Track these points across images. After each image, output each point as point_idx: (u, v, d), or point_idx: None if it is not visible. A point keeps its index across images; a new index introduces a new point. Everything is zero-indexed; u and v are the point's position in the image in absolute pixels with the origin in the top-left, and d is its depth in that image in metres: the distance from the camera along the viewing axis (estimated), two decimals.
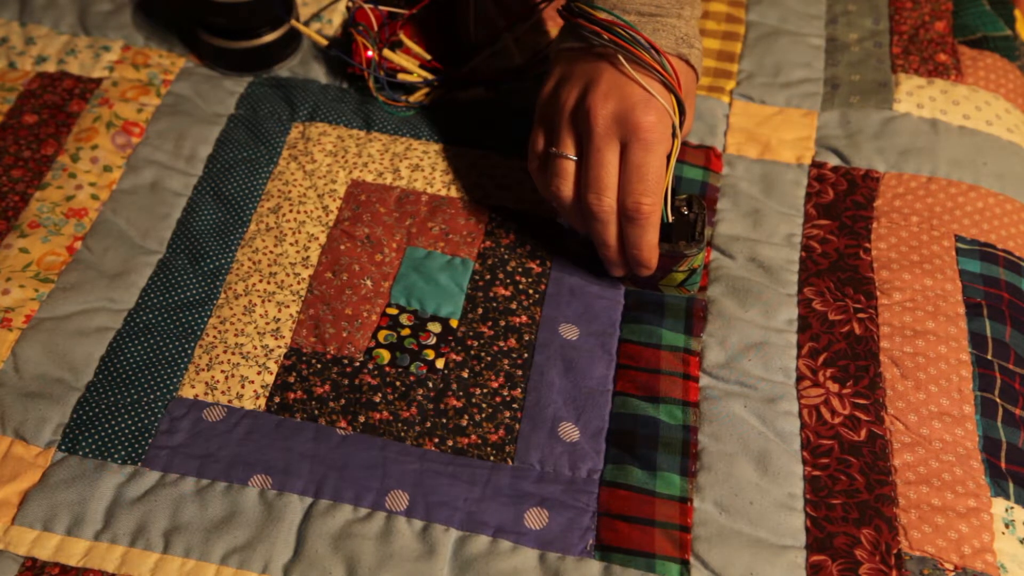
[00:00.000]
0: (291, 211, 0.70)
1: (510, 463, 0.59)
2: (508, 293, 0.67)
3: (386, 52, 0.76)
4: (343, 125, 0.76)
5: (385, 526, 0.56)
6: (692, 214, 0.64)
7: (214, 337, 0.64)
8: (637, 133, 0.60)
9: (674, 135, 0.62)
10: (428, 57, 0.77)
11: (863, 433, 0.61)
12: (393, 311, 0.66)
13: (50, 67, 0.79)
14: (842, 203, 0.72)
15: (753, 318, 0.66)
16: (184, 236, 0.69)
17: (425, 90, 0.77)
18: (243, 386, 0.62)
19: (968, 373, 0.63)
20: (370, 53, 0.75)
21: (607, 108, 0.60)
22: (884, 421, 0.61)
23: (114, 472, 0.58)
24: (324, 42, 0.78)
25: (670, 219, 0.63)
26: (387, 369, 0.63)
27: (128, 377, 0.62)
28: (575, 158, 0.63)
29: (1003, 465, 0.60)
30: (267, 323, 0.65)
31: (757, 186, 0.73)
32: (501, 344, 0.64)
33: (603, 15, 0.61)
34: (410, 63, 0.77)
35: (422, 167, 0.73)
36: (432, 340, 0.64)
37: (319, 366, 0.63)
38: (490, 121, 0.76)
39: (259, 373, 0.62)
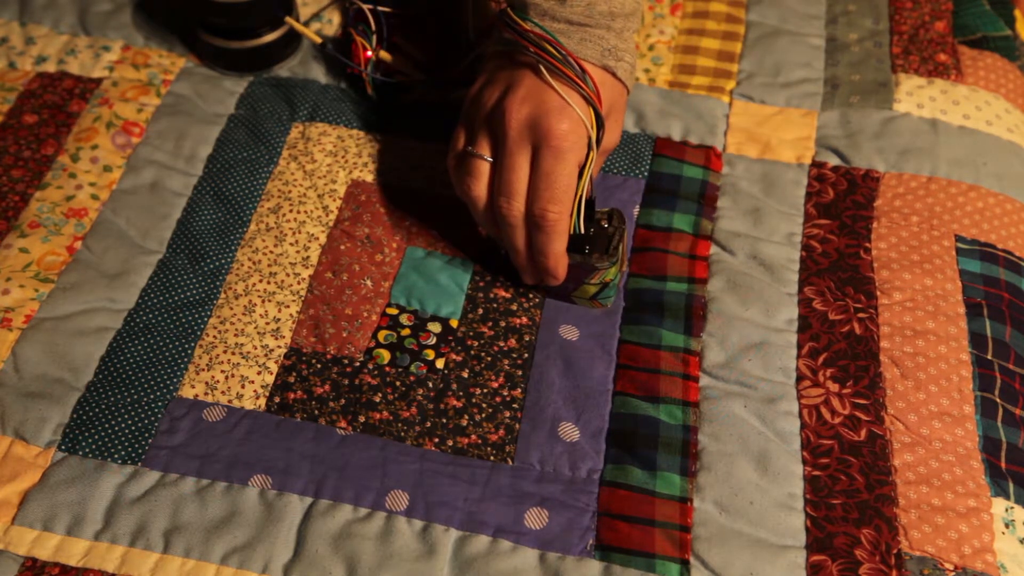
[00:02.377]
0: (291, 211, 0.70)
1: (510, 463, 0.59)
2: (508, 294, 0.67)
3: (383, 53, 0.76)
4: (343, 125, 0.76)
5: (385, 526, 0.56)
6: (612, 228, 0.63)
7: (214, 337, 0.64)
8: (548, 140, 0.59)
9: (590, 147, 0.61)
10: (426, 57, 0.77)
11: (863, 433, 0.61)
12: (393, 311, 0.66)
13: (50, 67, 0.79)
14: (842, 203, 0.72)
15: (753, 317, 0.66)
16: (184, 236, 0.69)
17: (423, 90, 0.77)
18: (243, 386, 0.62)
19: (968, 373, 0.63)
20: (369, 53, 0.75)
21: (522, 112, 0.60)
22: (884, 421, 0.61)
23: (114, 472, 0.58)
24: (319, 40, 0.77)
25: (582, 230, 0.62)
26: (387, 369, 0.63)
27: (128, 377, 0.62)
28: (490, 159, 0.62)
29: (1003, 465, 0.60)
30: (267, 323, 0.65)
31: (757, 185, 0.73)
32: (501, 344, 0.64)
33: (528, 26, 0.60)
34: (408, 64, 0.77)
35: (422, 167, 0.73)
36: (432, 340, 0.64)
37: (319, 366, 0.63)
38: None
39: (259, 373, 0.62)
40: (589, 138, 0.61)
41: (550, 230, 0.61)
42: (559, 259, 0.62)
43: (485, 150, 0.62)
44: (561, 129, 0.59)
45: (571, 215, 0.61)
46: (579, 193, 0.61)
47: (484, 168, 0.63)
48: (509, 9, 0.62)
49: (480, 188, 0.63)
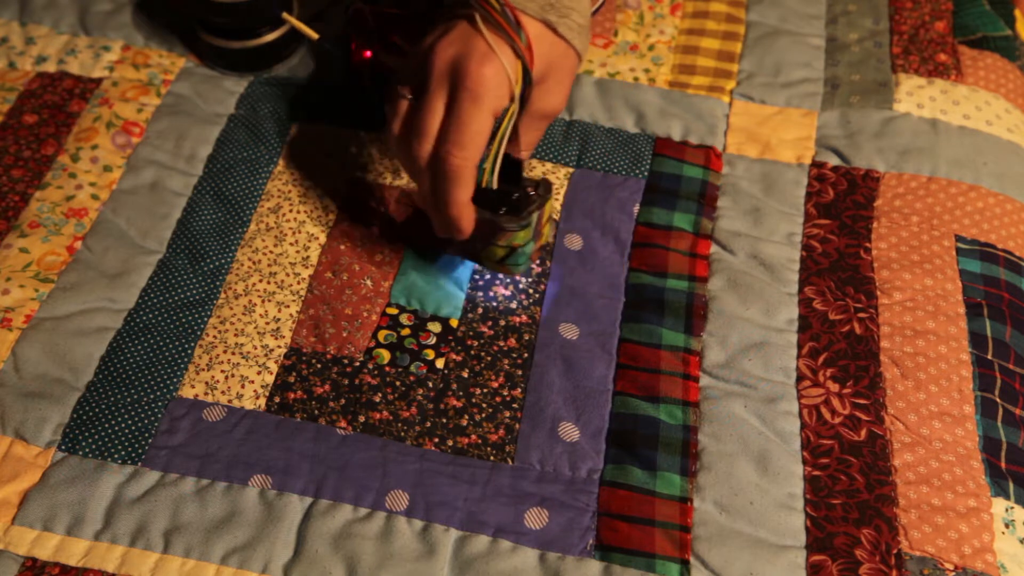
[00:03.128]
0: (291, 211, 0.70)
1: (510, 463, 0.59)
2: (508, 293, 0.67)
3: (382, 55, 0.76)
4: (343, 125, 0.76)
5: (385, 526, 0.56)
6: (535, 195, 0.61)
7: (214, 337, 0.64)
8: (464, 82, 0.57)
9: (512, 99, 0.59)
10: None
11: (863, 433, 0.61)
12: (393, 311, 0.66)
13: (50, 67, 0.79)
14: (842, 203, 0.72)
15: (753, 317, 0.66)
16: (184, 236, 0.69)
17: None
18: (243, 386, 0.62)
19: (968, 373, 0.63)
20: (368, 53, 0.75)
21: (447, 53, 0.58)
22: (884, 421, 0.61)
23: (114, 472, 0.58)
24: (315, 36, 0.77)
25: (494, 185, 0.60)
26: (387, 369, 0.63)
27: (128, 377, 0.62)
28: (411, 99, 0.61)
29: (1003, 465, 0.60)
30: (267, 323, 0.65)
31: (757, 185, 0.73)
32: (501, 344, 0.64)
33: None
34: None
35: None
36: (432, 340, 0.64)
37: (319, 366, 0.63)
38: None
39: (259, 373, 0.62)
40: (513, 92, 0.59)
41: (452, 175, 0.58)
42: (461, 209, 0.60)
43: (410, 91, 0.61)
44: (480, 72, 0.57)
45: (487, 168, 0.59)
46: (495, 146, 0.59)
47: (404, 107, 0.61)
48: None
49: (397, 125, 0.61)
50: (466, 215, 0.60)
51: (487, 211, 0.61)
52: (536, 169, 0.73)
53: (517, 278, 0.67)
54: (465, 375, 0.63)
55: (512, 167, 0.61)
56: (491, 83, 0.57)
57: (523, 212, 0.61)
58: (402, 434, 0.60)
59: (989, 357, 0.64)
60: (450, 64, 0.58)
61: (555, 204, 0.71)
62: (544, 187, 0.62)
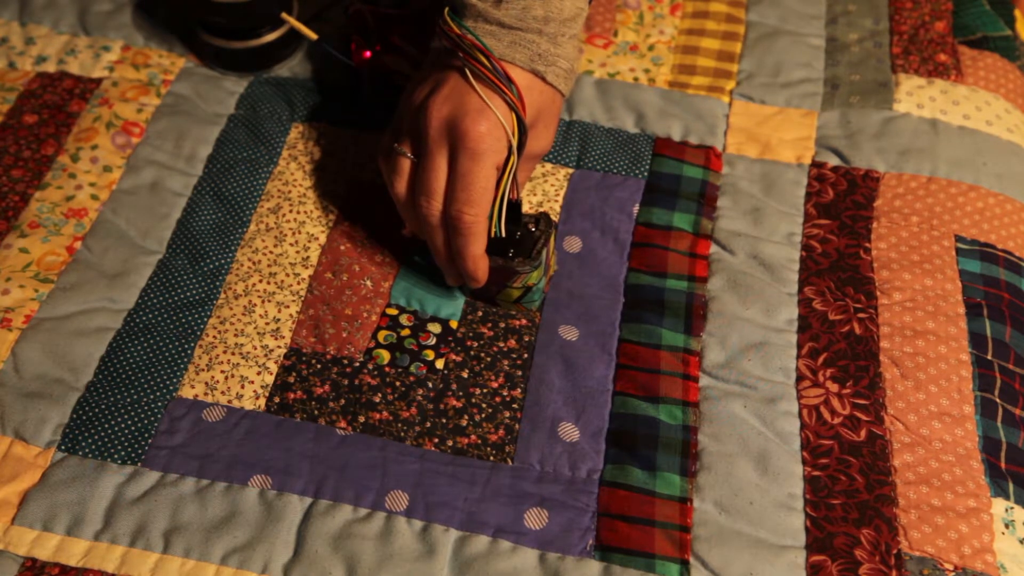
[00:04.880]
0: (291, 211, 0.70)
1: (510, 463, 0.59)
2: None
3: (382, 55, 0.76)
4: (343, 125, 0.76)
5: (385, 526, 0.56)
6: (537, 232, 0.63)
7: (214, 337, 0.64)
8: (465, 141, 0.59)
9: (512, 151, 0.60)
10: (424, 58, 0.77)
11: (863, 433, 0.61)
12: (393, 311, 0.66)
13: (50, 67, 0.79)
14: (842, 203, 0.72)
15: (753, 317, 0.66)
16: (184, 236, 0.69)
17: None
18: (243, 386, 0.62)
19: (968, 373, 0.63)
20: (368, 53, 0.75)
21: (442, 112, 0.59)
22: (884, 421, 0.61)
23: (114, 472, 0.58)
24: (314, 36, 0.77)
25: (503, 234, 0.61)
26: (387, 369, 0.63)
27: (128, 377, 0.62)
28: (412, 158, 0.62)
29: (1003, 465, 0.60)
30: (267, 323, 0.65)
31: (757, 185, 0.73)
32: (501, 344, 0.64)
33: (456, 29, 0.60)
34: (407, 64, 0.77)
35: None
36: (432, 340, 0.64)
37: (319, 366, 0.63)
38: None
39: (259, 373, 0.62)
40: (511, 143, 0.60)
41: (466, 232, 0.60)
42: (477, 261, 0.61)
43: (408, 148, 0.62)
44: (478, 131, 0.58)
45: (492, 217, 0.61)
46: (499, 196, 0.60)
47: (406, 166, 0.62)
48: (447, 11, 0.61)
49: (402, 185, 0.63)
50: (482, 266, 0.62)
51: (498, 257, 0.62)
52: (536, 170, 0.73)
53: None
54: (465, 375, 0.63)
55: (511, 208, 0.62)
56: (489, 139, 0.59)
57: (532, 252, 0.62)
58: (402, 434, 0.60)
59: (989, 357, 0.64)
60: (446, 123, 0.59)
61: (553, 205, 0.71)
62: (545, 221, 0.64)
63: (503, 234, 0.61)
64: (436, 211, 0.61)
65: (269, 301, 0.66)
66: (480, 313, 0.66)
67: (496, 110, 0.59)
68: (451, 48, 0.60)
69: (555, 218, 0.70)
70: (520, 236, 0.63)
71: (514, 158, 0.60)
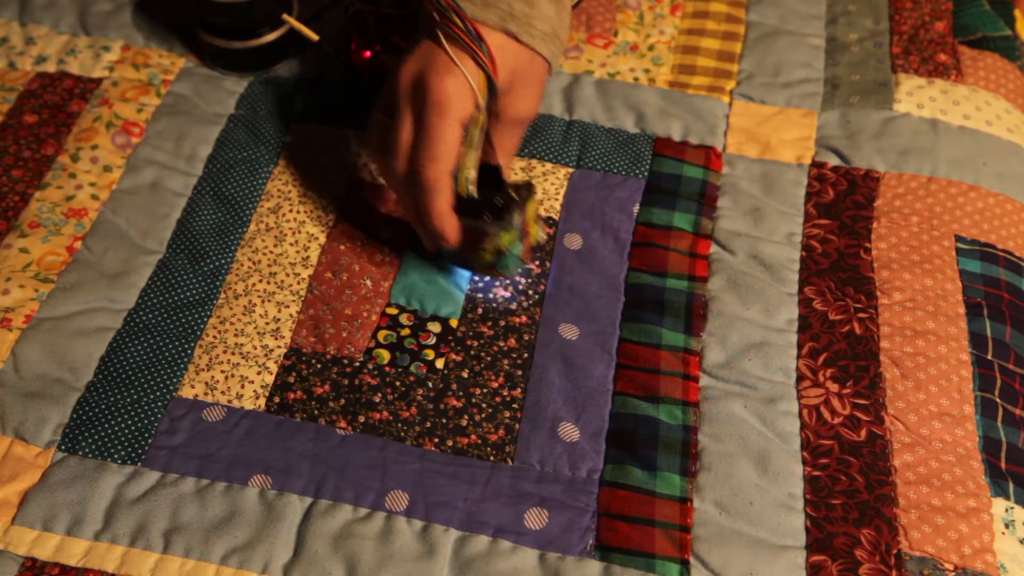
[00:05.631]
0: (291, 211, 0.70)
1: (510, 463, 0.59)
2: (508, 293, 0.67)
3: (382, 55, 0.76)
4: (343, 125, 0.76)
5: (385, 526, 0.56)
6: (516, 198, 0.63)
7: (214, 337, 0.64)
8: (428, 96, 0.59)
9: (479, 108, 0.60)
10: None
11: (863, 433, 0.61)
12: (393, 311, 0.66)
13: (50, 67, 0.79)
14: (842, 203, 0.72)
15: (753, 317, 0.66)
16: (184, 236, 0.69)
17: None
18: (243, 386, 0.62)
19: (968, 373, 0.63)
20: (368, 53, 0.75)
21: (411, 70, 0.60)
22: (884, 421, 0.61)
23: (114, 472, 0.58)
24: (315, 37, 0.77)
25: (475, 194, 0.61)
26: (387, 369, 0.63)
27: (128, 377, 0.62)
28: (387, 120, 0.62)
29: (1003, 465, 0.60)
30: (267, 323, 0.65)
31: (757, 185, 0.73)
32: (501, 344, 0.64)
33: None
34: None
35: None
36: (432, 340, 0.64)
37: (319, 366, 0.63)
38: None
39: (259, 373, 0.62)
40: (479, 102, 0.60)
41: (428, 187, 0.60)
42: (442, 218, 0.61)
43: (384, 108, 0.63)
44: (442, 86, 0.59)
45: (463, 176, 0.61)
46: (467, 154, 0.60)
47: (382, 127, 0.63)
48: None
49: (377, 147, 0.64)
50: (448, 224, 0.61)
51: (469, 218, 0.62)
52: (536, 169, 0.73)
53: (517, 279, 0.67)
54: (465, 375, 0.63)
55: (492, 174, 0.62)
56: (454, 95, 0.59)
57: (505, 216, 0.62)
58: (402, 434, 0.60)
59: (989, 357, 0.64)
60: (414, 80, 0.60)
61: (553, 204, 0.71)
62: (526, 189, 0.64)
63: (474, 194, 0.61)
64: (403, 168, 0.61)
65: (269, 301, 0.66)
66: (480, 311, 0.66)
67: (463, 68, 0.59)
68: (430, 11, 0.60)
69: (555, 217, 0.70)
70: (500, 201, 0.63)
71: (482, 116, 0.60)
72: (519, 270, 0.67)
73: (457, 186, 0.61)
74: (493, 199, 0.62)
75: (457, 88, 0.59)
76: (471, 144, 0.61)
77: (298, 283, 0.67)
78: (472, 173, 0.61)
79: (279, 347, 0.64)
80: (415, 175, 0.60)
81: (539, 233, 0.66)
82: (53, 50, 0.80)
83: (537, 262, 0.68)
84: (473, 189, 0.61)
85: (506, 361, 0.63)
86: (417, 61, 0.60)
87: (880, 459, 0.60)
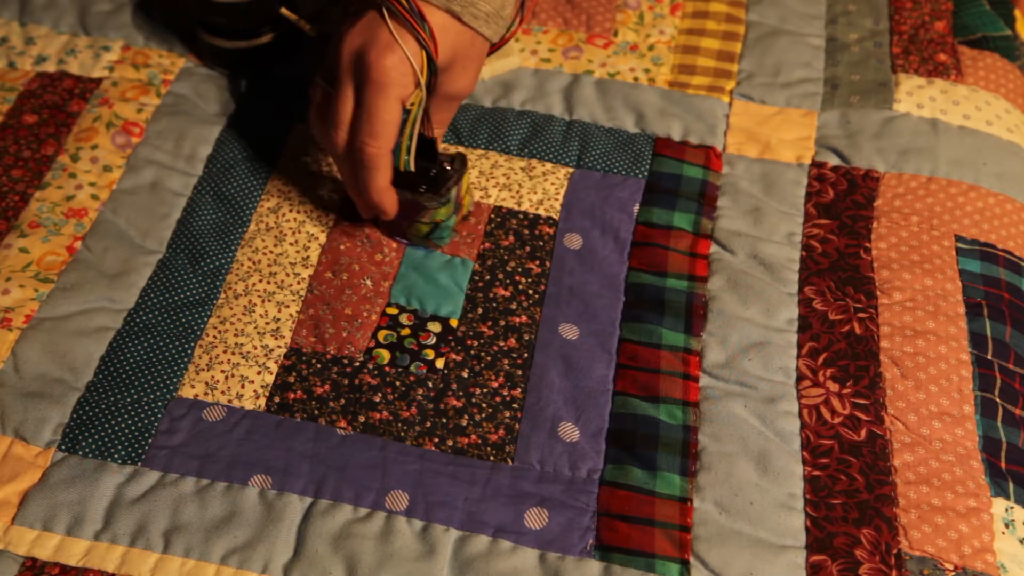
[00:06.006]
0: (291, 211, 0.70)
1: (510, 463, 0.59)
2: (508, 293, 0.67)
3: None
4: None
5: (385, 526, 0.56)
6: (451, 171, 0.64)
7: (214, 337, 0.64)
8: (369, 73, 0.60)
9: (419, 86, 0.61)
10: None
11: (863, 433, 0.61)
12: (393, 311, 0.66)
13: (50, 67, 0.79)
14: (842, 203, 0.72)
15: (753, 317, 0.66)
16: (184, 236, 0.69)
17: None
18: (243, 386, 0.62)
19: (968, 373, 0.63)
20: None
21: (353, 44, 0.61)
22: (884, 421, 0.61)
23: (114, 472, 0.58)
24: (312, 31, 0.77)
25: (412, 168, 0.63)
26: (387, 369, 0.63)
27: (128, 377, 0.62)
28: (329, 88, 0.63)
29: (1003, 465, 0.60)
30: (267, 323, 0.65)
31: (757, 185, 0.73)
32: (501, 344, 0.64)
33: None
34: None
35: None
36: (432, 340, 0.64)
37: (319, 366, 0.63)
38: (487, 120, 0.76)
39: (259, 373, 0.62)
40: (419, 79, 0.61)
41: (369, 164, 0.61)
42: (381, 194, 0.63)
43: (324, 75, 0.64)
44: (383, 64, 0.59)
45: (403, 152, 0.62)
46: (408, 131, 0.62)
47: (321, 95, 0.64)
48: None
49: (314, 114, 0.65)
50: (387, 198, 0.63)
51: (407, 192, 0.64)
52: (536, 169, 0.73)
53: (517, 279, 0.67)
54: (465, 375, 0.63)
55: (427, 145, 0.64)
56: (394, 73, 0.60)
57: (441, 189, 0.64)
58: (402, 434, 0.60)
59: (989, 357, 0.64)
60: (355, 54, 0.61)
61: (554, 204, 0.71)
62: (460, 161, 0.65)
63: (412, 168, 0.63)
64: (342, 141, 0.62)
65: (269, 301, 0.66)
66: (480, 311, 0.66)
67: (404, 46, 0.60)
68: None
69: (555, 216, 0.70)
70: (434, 174, 0.64)
71: (422, 93, 0.61)
72: (449, 242, 0.68)
73: (396, 162, 0.63)
74: (431, 171, 0.64)
75: (397, 67, 0.60)
76: (411, 122, 0.62)
77: (298, 283, 0.67)
78: (412, 149, 0.63)
79: (279, 347, 0.64)
80: (355, 151, 0.61)
81: (470, 205, 0.69)
82: (53, 50, 0.80)
83: (537, 261, 0.68)
84: (412, 164, 0.63)
85: (506, 361, 0.63)
86: (359, 35, 0.61)
87: (880, 459, 0.60)
